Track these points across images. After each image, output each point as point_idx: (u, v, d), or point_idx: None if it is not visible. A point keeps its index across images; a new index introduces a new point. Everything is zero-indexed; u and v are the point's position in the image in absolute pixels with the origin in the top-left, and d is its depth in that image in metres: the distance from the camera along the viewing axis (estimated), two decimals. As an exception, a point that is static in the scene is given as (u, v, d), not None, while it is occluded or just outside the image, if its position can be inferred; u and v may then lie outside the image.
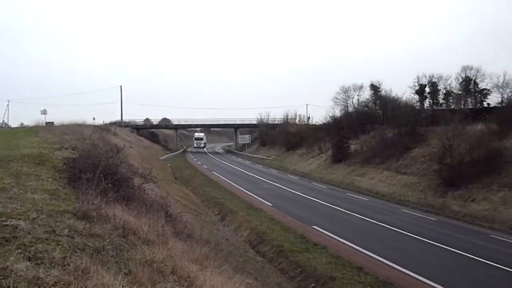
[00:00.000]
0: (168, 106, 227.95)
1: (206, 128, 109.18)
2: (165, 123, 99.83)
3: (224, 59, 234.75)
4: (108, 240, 5.91)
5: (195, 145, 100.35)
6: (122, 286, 4.28)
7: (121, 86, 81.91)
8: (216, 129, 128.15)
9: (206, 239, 11.27)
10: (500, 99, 47.85)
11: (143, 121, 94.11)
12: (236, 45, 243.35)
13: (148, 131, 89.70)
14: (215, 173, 45.68)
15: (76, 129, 29.42)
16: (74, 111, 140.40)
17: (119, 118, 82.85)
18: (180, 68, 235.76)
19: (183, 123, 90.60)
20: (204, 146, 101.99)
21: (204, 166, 54.75)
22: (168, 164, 50.52)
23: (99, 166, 8.83)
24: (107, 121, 74.71)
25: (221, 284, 6.09)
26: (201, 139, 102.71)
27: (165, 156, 61.38)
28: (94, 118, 59.41)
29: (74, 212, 7.04)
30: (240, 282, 7.87)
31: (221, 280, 6.30)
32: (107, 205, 7.88)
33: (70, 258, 4.64)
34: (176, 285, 5.32)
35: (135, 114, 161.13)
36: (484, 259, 16.05)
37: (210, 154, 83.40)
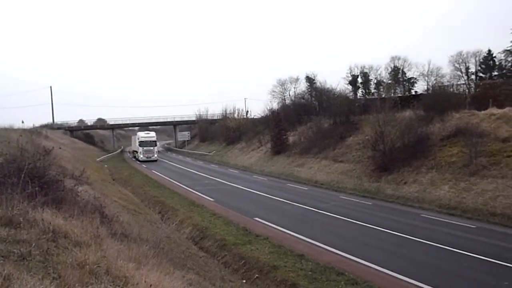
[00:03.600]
0: (104, 105, 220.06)
1: (144, 126, 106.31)
2: (101, 124, 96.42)
3: (161, 56, 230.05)
4: (34, 245, 5.63)
5: (141, 155, 59.91)
6: (49, 290, 4.08)
7: (51, 87, 77.96)
8: (155, 127, 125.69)
9: (145, 238, 11.03)
10: (426, 86, 50.72)
11: (77, 123, 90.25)
12: (171, 41, 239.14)
13: (82, 132, 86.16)
14: (155, 171, 44.81)
15: (1, 133, 27.69)
16: (1, 114, 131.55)
17: (51, 121, 78.95)
18: (115, 66, 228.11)
19: (120, 122, 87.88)
20: (155, 157, 61.16)
21: (143, 165, 53.57)
22: (106, 166, 48.89)
23: (24, 169, 8.35)
24: (38, 124, 70.84)
25: (159, 281, 5.99)
26: (152, 142, 61.85)
27: (101, 157, 59.29)
28: (22, 122, 56.24)
29: (-3, 219, 6.64)
30: (180, 278, 7.81)
31: (158, 277, 6.21)
32: (35, 209, 7.50)
33: (-9, 266, 4.37)
34: (111, 285, 5.18)
35: (69, 116, 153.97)
36: (417, 238, 17.01)
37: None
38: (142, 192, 31.00)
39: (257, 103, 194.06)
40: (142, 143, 61.00)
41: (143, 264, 7.00)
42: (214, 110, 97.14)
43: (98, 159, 55.40)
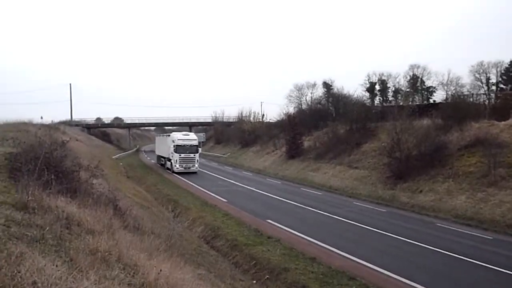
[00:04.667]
0: (120, 104, 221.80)
1: (160, 126, 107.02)
2: (117, 122, 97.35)
3: (179, 57, 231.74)
4: (48, 229, 5.64)
5: (177, 164, 43.11)
6: (59, 271, 4.07)
7: (70, 84, 79.05)
8: (171, 127, 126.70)
9: (157, 233, 11.04)
10: (444, 95, 50.14)
11: (95, 120, 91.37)
12: (190, 42, 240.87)
13: (99, 130, 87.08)
14: (169, 171, 45.00)
15: (21, 127, 28.10)
16: (22, 110, 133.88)
17: (69, 118, 80.00)
18: (133, 66, 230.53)
19: (136, 121, 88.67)
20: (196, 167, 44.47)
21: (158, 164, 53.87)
22: (121, 163, 49.27)
23: (40, 158, 8.43)
24: (56, 120, 71.81)
25: (170, 272, 5.95)
26: (193, 148, 44.23)
27: (117, 155, 59.84)
28: (41, 117, 56.93)
29: (13, 204, 6.70)
30: (191, 271, 7.76)
31: (169, 268, 6.17)
32: (50, 196, 7.54)
33: (4, 245, 4.38)
34: (121, 272, 5.15)
35: (87, 114, 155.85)
36: (431, 246, 16.71)
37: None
38: (156, 191, 31.14)
39: (273, 107, 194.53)
40: (178, 148, 42.75)
41: (154, 255, 6.97)
42: (230, 112, 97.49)
43: (114, 157, 55.92)
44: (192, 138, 45.12)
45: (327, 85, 63.28)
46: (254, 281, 13.32)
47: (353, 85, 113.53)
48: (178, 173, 42.06)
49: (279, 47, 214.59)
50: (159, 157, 52.91)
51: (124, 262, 5.63)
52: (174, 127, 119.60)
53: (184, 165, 42.87)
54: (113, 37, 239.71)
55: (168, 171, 44.70)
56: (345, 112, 48.08)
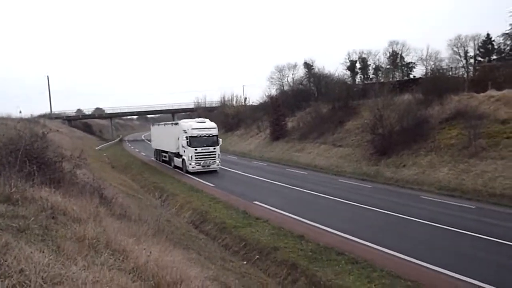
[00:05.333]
0: (101, 94, 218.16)
1: (142, 115, 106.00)
2: (99, 113, 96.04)
3: (159, 45, 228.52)
4: (33, 219, 5.60)
5: (192, 162, 32.44)
6: (47, 258, 4.05)
7: (48, 76, 77.81)
8: (153, 115, 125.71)
9: (145, 219, 11.02)
10: (424, 70, 50.67)
11: (75, 112, 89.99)
12: (170, 29, 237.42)
13: (80, 122, 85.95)
14: (153, 159, 44.75)
15: (-1, 122, 27.61)
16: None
17: (49, 111, 78.69)
18: (112, 56, 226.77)
19: (118, 111, 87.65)
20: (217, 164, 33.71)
21: (142, 153, 53.49)
22: (105, 154, 48.84)
23: (21, 149, 8.30)
24: (36, 114, 70.54)
25: (159, 255, 5.97)
26: (211, 139, 33.17)
27: (100, 146, 59.27)
28: (20, 111, 55.92)
29: (-5, 197, 6.60)
30: (181, 255, 7.80)
31: (159, 251, 6.19)
32: (33, 188, 7.46)
33: (-10, 237, 4.34)
34: (110, 258, 5.15)
35: (67, 106, 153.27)
36: (416, 218, 17.06)
37: (148, 142, 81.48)
38: (142, 179, 31.02)
39: (256, 89, 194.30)
40: (193, 141, 32.31)
41: (142, 240, 6.98)
42: (213, 97, 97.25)
43: (97, 148, 55.36)
44: (210, 126, 33.88)
45: (308, 65, 63.37)
46: (245, 262, 13.46)
47: (334, 64, 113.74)
48: (159, 160, 41.36)
49: (259, 28, 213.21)
50: (159, 152, 42.19)
51: (113, 248, 5.63)
52: (157, 115, 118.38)
53: (202, 163, 32.38)
54: (92, 28, 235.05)
55: (177, 170, 34.70)
56: (327, 91, 48.26)
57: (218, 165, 33.22)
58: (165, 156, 39.72)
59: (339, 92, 42.91)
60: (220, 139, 34.01)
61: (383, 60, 58.61)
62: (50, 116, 73.32)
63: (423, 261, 12.21)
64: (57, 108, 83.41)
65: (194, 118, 67.56)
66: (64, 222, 6.37)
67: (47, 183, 8.36)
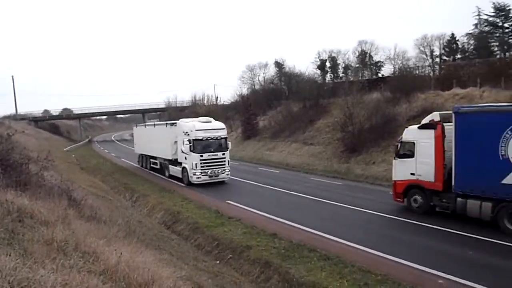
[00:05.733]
0: (70, 95, 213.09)
1: (112, 115, 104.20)
2: (66, 113, 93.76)
3: (129, 44, 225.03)
4: (-3, 223, 5.45)
5: (197, 172, 25.97)
6: (13, 262, 3.95)
7: (12, 76, 75.14)
8: (123, 116, 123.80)
9: (116, 221, 10.88)
10: (392, 69, 51.63)
11: (42, 113, 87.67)
12: (139, 28, 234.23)
13: (47, 123, 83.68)
14: (124, 160, 44.10)
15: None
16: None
17: (14, 112, 76.31)
18: (81, 56, 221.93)
19: (86, 111, 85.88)
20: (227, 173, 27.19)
21: (112, 154, 52.63)
22: (73, 155, 47.78)
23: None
24: (0, 115, 68.37)
25: (130, 256, 5.91)
26: (218, 142, 27.02)
27: (68, 147, 57.95)
28: (-18, 114, 54.18)
29: (-42, 201, 6.39)
30: (153, 256, 7.73)
31: (130, 252, 6.12)
32: (-2, 190, 7.25)
33: (-49, 242, 4.19)
34: (80, 260, 5.07)
35: (34, 107, 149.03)
36: (386, 214, 17.43)
37: (118, 142, 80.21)
38: (112, 180, 30.52)
39: (227, 89, 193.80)
40: (198, 145, 26.23)
41: (113, 242, 6.89)
42: (184, 97, 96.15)
43: (65, 149, 54.13)
44: (217, 126, 27.71)
45: (278, 65, 63.64)
46: (218, 261, 13.44)
47: (304, 63, 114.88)
48: (129, 161, 40.11)
49: (231, 28, 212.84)
50: (146, 158, 35.32)
51: (83, 250, 5.54)
52: (126, 115, 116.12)
53: (209, 172, 26.17)
54: (59, 28, 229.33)
55: (175, 181, 28.16)
56: (297, 90, 48.63)
57: (228, 174, 26.92)
58: (155, 164, 33.09)
59: (310, 91, 43.36)
60: (229, 142, 27.91)
61: (352, 59, 59.32)
62: (16, 117, 71.16)
63: (391, 255, 12.51)
64: (23, 109, 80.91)
65: (164, 118, 63.67)
66: (31, 225, 6.22)
67: (13, 185, 8.14)
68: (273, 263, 12.67)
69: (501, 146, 13.79)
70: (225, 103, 70.48)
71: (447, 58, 50.90)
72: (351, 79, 51.34)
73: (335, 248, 13.52)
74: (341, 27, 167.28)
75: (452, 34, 50.29)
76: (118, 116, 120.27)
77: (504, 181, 13.69)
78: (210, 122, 28.16)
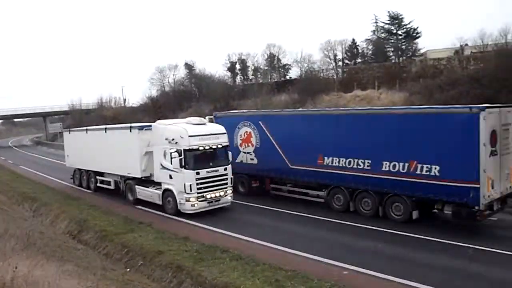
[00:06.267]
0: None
1: (8, 119, 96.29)
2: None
3: (29, 43, 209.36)
4: None
5: (191, 197, 17.73)
6: None
7: None
8: (21, 119, 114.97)
9: (13, 233, 10.13)
10: (299, 72, 53.77)
11: None
12: (40, 28, 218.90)
13: None
14: (23, 167, 40.97)
15: None
16: None
17: None
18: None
19: (-26, 115, 78.49)
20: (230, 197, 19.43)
21: (10, 161, 48.63)
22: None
23: None
24: None
25: (28, 270, 5.56)
26: (218, 152, 18.75)
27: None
28: None
29: None
30: (55, 267, 7.35)
31: (28, 266, 5.76)
32: None
33: None
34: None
35: None
36: (291, 211, 18.09)
37: (16, 148, 74.31)
38: (9, 189, 28.19)
39: (136, 91, 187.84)
40: (191, 157, 17.94)
41: (8, 256, 6.43)
42: (89, 99, 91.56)
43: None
44: (216, 131, 19.32)
45: (189, 66, 63.32)
46: (128, 269, 13.06)
47: (215, 66, 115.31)
48: (29, 168, 38.10)
49: (139, 29, 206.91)
50: (89, 174, 26.06)
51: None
52: (25, 119, 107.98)
53: (208, 196, 18.30)
54: None
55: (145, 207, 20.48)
56: (208, 92, 48.86)
57: (231, 196, 19.46)
58: (107, 183, 24.04)
59: (220, 92, 43.75)
60: (230, 152, 19.56)
61: (261, 61, 60.87)
62: None
63: (300, 251, 13.08)
64: None
65: (67, 121, 58.35)
66: None
67: None
68: (186, 266, 12.56)
69: (235, 137, 21.90)
70: (133, 105, 68.55)
71: (349, 62, 54.18)
72: (261, 81, 52.62)
73: (246, 247, 13.82)
74: (250, 30, 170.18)
75: (353, 40, 53.69)
76: (16, 120, 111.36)
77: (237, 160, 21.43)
78: (204, 124, 19.70)
